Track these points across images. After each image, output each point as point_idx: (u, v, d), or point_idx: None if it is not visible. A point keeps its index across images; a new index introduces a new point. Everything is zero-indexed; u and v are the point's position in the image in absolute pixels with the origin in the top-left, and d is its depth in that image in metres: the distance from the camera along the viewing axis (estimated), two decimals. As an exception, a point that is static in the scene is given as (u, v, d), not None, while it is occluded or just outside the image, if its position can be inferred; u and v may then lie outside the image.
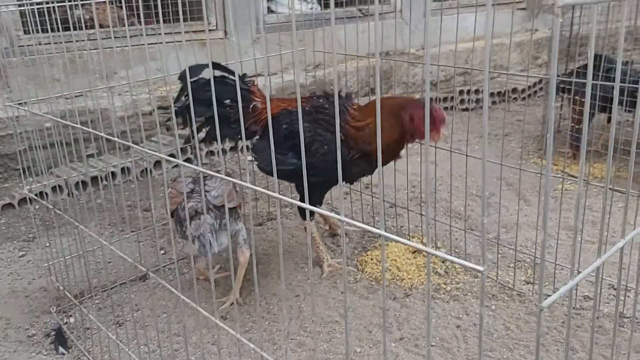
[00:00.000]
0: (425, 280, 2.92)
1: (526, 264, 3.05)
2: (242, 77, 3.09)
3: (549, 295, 1.03)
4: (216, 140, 3.05)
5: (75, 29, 2.30)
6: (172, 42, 4.47)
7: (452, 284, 2.91)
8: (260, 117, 2.99)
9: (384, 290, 1.03)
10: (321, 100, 2.91)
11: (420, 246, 0.97)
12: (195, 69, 2.91)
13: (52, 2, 2.67)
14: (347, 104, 2.88)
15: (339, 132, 1.13)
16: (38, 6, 2.74)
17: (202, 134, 3.10)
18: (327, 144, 2.76)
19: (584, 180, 3.70)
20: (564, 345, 2.41)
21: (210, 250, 2.53)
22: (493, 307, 2.72)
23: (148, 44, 4.58)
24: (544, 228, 0.80)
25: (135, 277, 3.01)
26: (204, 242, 2.52)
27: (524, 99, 6.34)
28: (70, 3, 2.73)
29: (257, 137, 3.02)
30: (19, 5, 3.70)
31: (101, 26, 4.63)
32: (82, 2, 3.03)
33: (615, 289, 2.78)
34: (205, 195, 2.55)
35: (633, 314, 1.52)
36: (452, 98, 6.04)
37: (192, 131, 3.01)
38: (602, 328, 2.52)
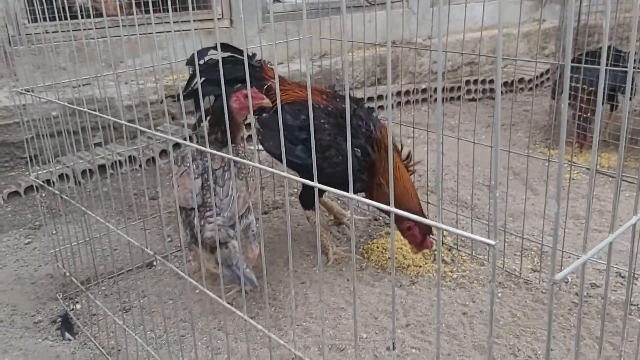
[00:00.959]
0: (432, 268, 2.92)
1: (533, 252, 3.04)
2: (252, 57, 3.07)
3: (554, 282, 1.02)
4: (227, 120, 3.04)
5: (79, 17, 2.29)
6: (179, 30, 4.47)
7: (458, 272, 2.90)
8: (273, 97, 2.96)
9: (393, 272, 1.02)
10: (344, 106, 2.89)
11: (431, 222, 0.97)
12: (203, 52, 2.90)
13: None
14: (370, 122, 2.85)
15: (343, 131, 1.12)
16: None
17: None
18: (343, 155, 2.74)
19: (588, 168, 3.67)
20: (571, 332, 2.40)
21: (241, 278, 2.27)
22: (500, 294, 2.71)
23: (156, 32, 4.57)
24: (557, 200, 0.79)
25: (142, 264, 3.01)
26: (237, 273, 2.27)
27: (530, 89, 6.31)
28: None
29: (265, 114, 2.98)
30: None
31: (106, 15, 4.62)
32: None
33: (622, 277, 2.77)
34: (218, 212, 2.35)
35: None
36: (459, 88, 6.02)
37: (201, 114, 2.99)
38: (609, 315, 2.51)
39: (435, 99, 5.62)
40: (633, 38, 1.05)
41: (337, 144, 2.76)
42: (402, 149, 3.01)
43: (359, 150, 2.79)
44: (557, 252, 0.82)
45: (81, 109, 2.09)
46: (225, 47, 2.93)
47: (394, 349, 1.21)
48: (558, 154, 0.80)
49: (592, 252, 0.89)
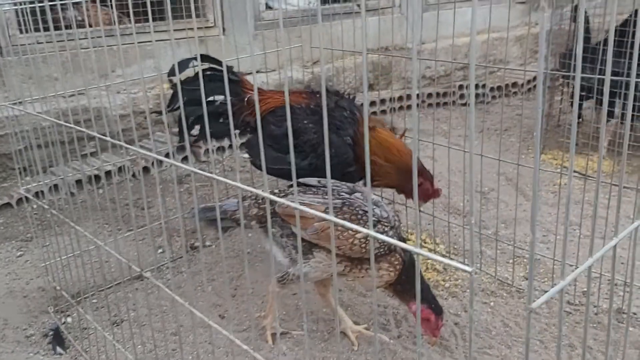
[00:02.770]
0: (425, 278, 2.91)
1: (525, 260, 3.04)
2: (229, 69, 3.05)
3: (546, 291, 1.02)
4: (210, 139, 3.03)
5: (70, 27, 2.29)
6: (166, 39, 4.46)
7: (450, 281, 2.90)
8: (254, 109, 2.95)
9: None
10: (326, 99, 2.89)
11: (408, 246, 0.96)
12: (183, 64, 2.88)
13: (45, 2, 2.65)
14: (355, 109, 2.85)
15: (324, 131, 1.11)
16: (31, 5, 2.73)
17: (196, 131, 3.07)
18: (334, 148, 2.74)
19: (582, 175, 3.68)
20: (563, 342, 2.40)
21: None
22: (492, 303, 2.71)
23: (145, 41, 4.56)
24: (533, 231, 0.79)
25: (134, 277, 3.00)
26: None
27: (523, 93, 6.32)
28: (62, 2, 2.71)
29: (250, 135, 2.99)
30: (14, 5, 3.69)
31: (93, 26, 4.61)
32: (73, 2, 3.01)
33: (615, 285, 2.77)
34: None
35: (628, 310, 1.51)
36: (452, 93, 6.03)
37: (183, 133, 2.98)
38: (600, 324, 2.51)
39: (429, 104, 5.60)
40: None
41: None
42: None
43: (349, 138, 2.79)
44: (547, 261, 0.82)
45: (67, 124, 2.08)
46: (204, 58, 2.92)
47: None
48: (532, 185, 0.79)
49: (569, 278, 0.89)
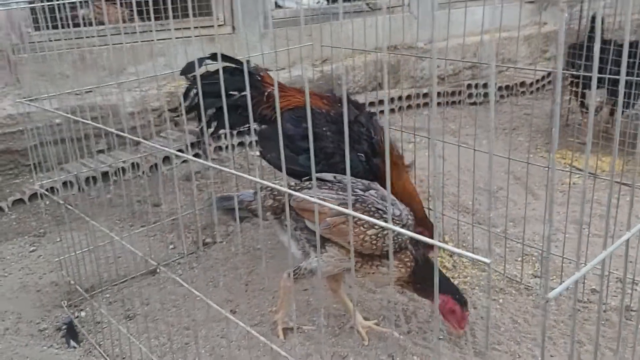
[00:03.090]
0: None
1: (534, 258, 3.06)
2: (250, 65, 3.10)
3: (554, 288, 1.04)
4: (226, 130, 3.06)
5: (81, 26, 2.33)
6: (180, 37, 4.50)
7: (459, 278, 2.92)
8: (274, 104, 2.98)
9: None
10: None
11: (429, 240, 0.99)
12: (199, 62, 2.92)
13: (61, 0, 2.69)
14: (371, 127, 2.88)
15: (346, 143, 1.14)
16: (48, 3, 2.77)
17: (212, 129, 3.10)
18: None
19: (591, 174, 3.70)
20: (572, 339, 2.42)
21: None
22: (501, 300, 2.73)
23: (157, 39, 4.61)
24: (550, 221, 0.81)
25: (145, 271, 3.04)
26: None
27: (532, 92, 6.33)
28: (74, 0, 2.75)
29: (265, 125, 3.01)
30: (30, 2, 3.73)
31: (105, 24, 4.66)
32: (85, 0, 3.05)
33: (622, 282, 2.79)
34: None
35: (639, 307, 1.53)
36: (460, 92, 6.04)
37: (202, 127, 3.01)
38: (609, 321, 2.53)
39: (438, 103, 5.62)
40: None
41: (341, 150, 2.78)
42: (402, 154, 3.04)
43: (362, 155, 2.82)
44: (556, 258, 0.84)
45: (84, 120, 2.11)
46: (221, 57, 2.95)
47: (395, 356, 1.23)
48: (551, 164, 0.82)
49: (584, 270, 0.92)
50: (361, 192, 2.30)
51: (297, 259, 2.37)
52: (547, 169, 2.93)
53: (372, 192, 2.32)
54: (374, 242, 2.21)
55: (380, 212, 2.27)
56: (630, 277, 2.76)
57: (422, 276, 2.31)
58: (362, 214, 2.21)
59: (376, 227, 2.21)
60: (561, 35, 0.84)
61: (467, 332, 2.51)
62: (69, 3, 2.92)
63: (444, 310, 2.32)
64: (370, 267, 2.29)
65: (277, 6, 5.58)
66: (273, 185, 1.31)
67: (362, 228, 2.19)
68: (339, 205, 2.19)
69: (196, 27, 4.56)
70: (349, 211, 1.09)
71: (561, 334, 2.47)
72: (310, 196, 1.27)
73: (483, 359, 2.33)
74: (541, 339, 0.89)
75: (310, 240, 2.30)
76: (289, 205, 2.28)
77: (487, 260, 0.85)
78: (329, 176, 2.43)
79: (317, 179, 2.38)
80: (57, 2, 2.62)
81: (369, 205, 2.25)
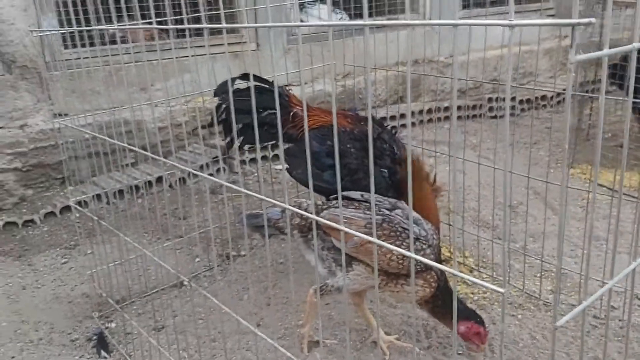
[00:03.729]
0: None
1: (553, 274, 3.10)
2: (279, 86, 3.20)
3: (573, 305, 1.09)
4: (251, 145, 3.17)
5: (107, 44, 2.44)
6: (205, 54, 4.61)
7: (479, 294, 2.97)
8: (299, 123, 3.08)
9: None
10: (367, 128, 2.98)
11: (449, 269, 1.06)
12: (227, 84, 3.03)
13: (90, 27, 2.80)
14: (394, 144, 2.95)
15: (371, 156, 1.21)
16: (79, 28, 2.88)
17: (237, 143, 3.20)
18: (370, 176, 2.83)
19: (610, 189, 3.72)
20: (588, 355, 2.47)
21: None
22: (519, 316, 2.78)
23: (181, 57, 4.73)
24: (559, 255, 0.88)
25: (174, 284, 3.13)
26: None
27: (552, 106, 6.35)
28: (110, 28, 2.86)
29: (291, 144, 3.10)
30: (60, 29, 3.87)
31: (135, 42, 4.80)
32: (119, 28, 3.17)
33: (639, 299, 2.82)
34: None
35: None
36: (480, 106, 6.08)
37: (231, 140, 3.11)
38: (625, 338, 2.56)
39: (459, 117, 5.66)
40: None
41: (365, 167, 2.87)
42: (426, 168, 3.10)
43: (385, 170, 2.90)
44: (575, 275, 0.91)
45: (110, 139, 2.22)
46: (249, 76, 3.06)
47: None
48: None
49: (591, 299, 0.98)
50: (388, 212, 2.36)
51: (323, 276, 2.43)
52: (566, 186, 2.98)
53: (398, 211, 2.38)
54: (401, 262, 2.27)
55: (407, 232, 2.33)
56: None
57: (442, 298, 2.37)
58: (389, 234, 2.29)
59: (403, 247, 2.26)
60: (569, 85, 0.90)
61: (486, 348, 2.57)
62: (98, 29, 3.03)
63: (470, 334, 2.36)
64: (395, 285, 2.35)
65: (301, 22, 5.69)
66: (300, 211, 1.38)
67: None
68: (366, 224, 2.27)
69: (221, 44, 4.68)
70: (374, 239, 1.16)
71: (579, 350, 2.51)
72: (340, 216, 1.34)
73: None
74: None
75: (337, 260, 2.36)
76: (317, 224, 2.35)
77: (501, 291, 0.92)
78: (356, 194, 2.49)
79: (345, 197, 2.45)
80: (89, 28, 2.73)
81: (396, 225, 2.32)
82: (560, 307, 2.82)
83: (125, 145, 2.16)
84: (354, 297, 2.59)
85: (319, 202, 2.64)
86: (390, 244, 2.23)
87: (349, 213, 2.34)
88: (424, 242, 2.33)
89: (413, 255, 1.08)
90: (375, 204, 2.37)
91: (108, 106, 3.02)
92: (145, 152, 2.00)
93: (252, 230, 2.59)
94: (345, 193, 2.46)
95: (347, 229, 1.24)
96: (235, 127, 2.47)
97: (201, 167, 4.57)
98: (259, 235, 2.96)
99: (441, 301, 2.38)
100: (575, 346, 2.51)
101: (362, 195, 2.49)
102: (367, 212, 2.35)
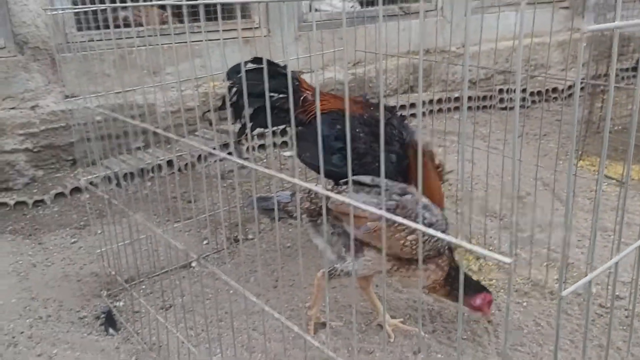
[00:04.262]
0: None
1: (559, 263, 3.10)
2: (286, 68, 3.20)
3: (580, 294, 1.09)
4: (262, 128, 3.19)
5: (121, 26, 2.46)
6: (216, 39, 4.62)
7: (485, 281, 2.98)
8: (309, 108, 3.09)
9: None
10: (378, 114, 2.98)
11: (455, 240, 1.07)
12: (239, 66, 3.03)
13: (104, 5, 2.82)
14: (403, 130, 2.96)
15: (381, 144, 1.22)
16: (92, 7, 2.90)
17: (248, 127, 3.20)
18: (378, 161, 2.84)
19: (619, 181, 3.72)
20: (593, 343, 2.48)
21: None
22: (524, 303, 2.79)
23: (193, 41, 4.74)
24: (568, 215, 0.89)
25: (181, 265, 3.16)
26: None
27: (564, 98, 6.32)
28: (123, 5, 2.88)
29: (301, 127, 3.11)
30: (74, 7, 3.89)
31: (148, 25, 4.81)
32: (132, 5, 3.18)
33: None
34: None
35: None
36: (491, 97, 6.07)
37: (243, 123, 3.12)
38: (630, 327, 2.56)
39: (469, 108, 5.66)
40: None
41: (373, 151, 2.87)
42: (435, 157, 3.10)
43: (394, 155, 2.90)
44: (582, 265, 0.92)
45: (125, 119, 2.24)
46: (261, 60, 3.07)
47: (419, 351, 1.31)
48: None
49: (597, 272, 0.99)
50: (399, 198, 2.37)
51: (332, 261, 2.44)
52: (574, 175, 2.98)
53: (408, 196, 2.38)
54: (414, 247, 2.29)
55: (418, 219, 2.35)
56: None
57: (454, 280, 2.40)
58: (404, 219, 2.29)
59: (416, 232, 2.27)
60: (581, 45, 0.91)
61: (490, 333, 2.58)
62: (110, 7, 3.04)
63: (484, 305, 2.46)
64: (407, 270, 2.36)
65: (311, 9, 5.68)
66: (311, 186, 1.39)
67: (402, 233, 2.26)
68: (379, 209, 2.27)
69: (233, 30, 4.69)
70: (398, 217, 1.17)
71: (583, 337, 2.52)
72: (349, 200, 1.35)
73: (504, 357, 2.39)
74: (555, 335, 0.97)
75: (346, 245, 2.36)
76: (328, 208, 2.36)
77: (508, 260, 0.93)
78: (366, 179, 2.47)
79: (355, 181, 2.45)
80: (101, 6, 2.74)
81: (409, 211, 2.32)
82: (567, 296, 2.82)
83: (143, 124, 2.18)
84: (361, 281, 2.61)
85: (329, 187, 2.65)
86: (405, 229, 2.24)
87: (361, 198, 2.34)
88: (437, 228, 2.34)
89: (441, 234, 1.09)
90: (386, 189, 2.39)
91: (119, 89, 3.03)
92: (165, 133, 2.01)
93: (261, 214, 2.60)
94: (355, 177, 2.47)
95: (361, 205, 1.24)
96: (247, 110, 2.49)
97: (210, 152, 4.59)
98: (268, 218, 2.96)
99: (452, 284, 2.42)
100: (580, 334, 2.52)
101: (372, 180, 2.49)
102: (379, 197, 2.35)
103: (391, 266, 2.36)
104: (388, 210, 2.23)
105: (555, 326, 2.59)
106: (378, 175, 2.78)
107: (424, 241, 2.29)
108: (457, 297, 2.42)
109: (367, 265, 2.37)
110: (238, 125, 3.26)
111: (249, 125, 2.67)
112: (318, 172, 3.11)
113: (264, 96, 1.64)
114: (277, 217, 2.51)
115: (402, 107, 5.50)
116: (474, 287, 2.47)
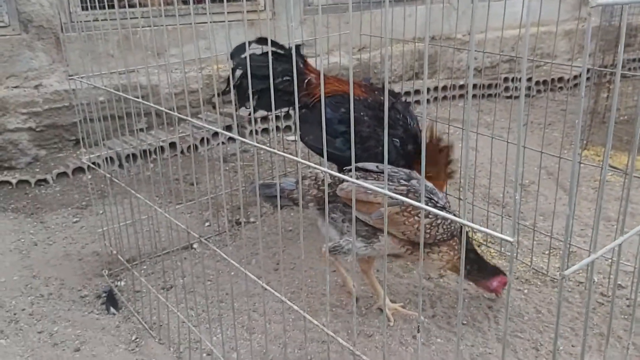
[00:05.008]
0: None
1: (561, 252, 3.10)
2: (297, 48, 3.18)
3: (582, 282, 1.09)
4: (265, 109, 3.16)
5: (126, 7, 2.44)
6: (223, 21, 4.60)
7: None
8: (313, 91, 3.07)
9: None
10: (382, 98, 2.98)
11: (455, 217, 1.06)
12: (243, 47, 3.02)
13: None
14: (408, 115, 2.94)
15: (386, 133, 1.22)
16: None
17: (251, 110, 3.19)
18: (382, 146, 2.83)
19: (624, 172, 3.70)
20: (594, 332, 2.48)
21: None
22: (526, 291, 2.79)
23: (197, 23, 4.72)
24: (571, 197, 0.88)
25: (183, 246, 3.16)
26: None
27: (570, 88, 6.29)
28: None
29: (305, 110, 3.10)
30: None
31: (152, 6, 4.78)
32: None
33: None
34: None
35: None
36: (496, 85, 6.04)
37: (249, 103, 3.11)
38: (632, 316, 2.56)
39: (474, 95, 5.64)
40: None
41: (377, 135, 2.86)
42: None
43: (397, 140, 2.89)
44: (584, 253, 0.91)
45: (132, 98, 2.23)
46: (266, 41, 3.04)
47: (418, 332, 1.31)
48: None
49: (600, 252, 0.98)
50: (407, 183, 2.36)
51: (346, 249, 2.42)
52: (579, 163, 2.96)
53: (413, 181, 2.38)
54: (428, 230, 2.29)
55: (432, 201, 2.37)
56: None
57: (470, 263, 2.46)
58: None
59: (430, 216, 2.29)
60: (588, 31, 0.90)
61: (490, 319, 2.58)
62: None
63: (500, 287, 2.56)
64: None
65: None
66: (316, 167, 1.38)
67: (416, 218, 2.26)
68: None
69: (238, 12, 4.66)
70: (421, 205, 1.16)
71: (583, 325, 2.51)
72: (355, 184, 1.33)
73: (505, 345, 2.40)
74: (556, 315, 0.96)
75: (358, 231, 2.34)
76: (337, 196, 2.34)
77: (510, 239, 0.93)
78: (372, 166, 2.47)
79: (360, 169, 2.43)
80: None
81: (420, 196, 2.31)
82: (568, 284, 2.82)
83: (148, 103, 2.16)
84: (362, 264, 2.61)
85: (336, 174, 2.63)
86: (418, 213, 2.25)
87: (371, 184, 2.32)
88: (448, 211, 2.35)
89: (465, 222, 1.08)
90: (393, 175, 2.38)
91: (123, 70, 3.01)
92: (171, 112, 2.00)
93: (264, 201, 2.56)
94: (360, 164, 2.45)
95: (370, 187, 1.23)
96: (250, 91, 2.46)
97: (214, 134, 4.59)
98: (271, 205, 2.94)
99: (469, 266, 2.45)
100: (581, 322, 2.52)
101: (377, 167, 2.48)
102: (390, 184, 2.34)
103: (405, 250, 2.36)
104: (401, 195, 2.23)
105: (556, 312, 2.59)
106: (382, 158, 2.78)
107: (437, 225, 2.30)
108: (472, 278, 2.51)
109: (382, 250, 2.37)
110: (242, 109, 3.24)
111: (251, 108, 2.65)
112: (321, 155, 3.10)
113: (268, 78, 1.63)
114: (280, 205, 2.49)
115: (407, 93, 5.48)
116: (491, 270, 2.55)
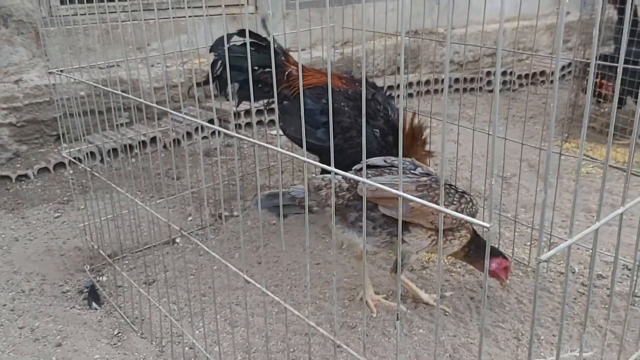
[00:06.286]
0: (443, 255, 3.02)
1: (542, 243, 3.12)
2: (275, 43, 3.17)
3: (561, 273, 1.10)
4: (247, 101, 3.15)
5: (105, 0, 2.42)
6: (203, 15, 4.57)
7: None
8: (294, 83, 3.07)
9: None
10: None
11: (431, 204, 1.07)
12: (223, 40, 3.01)
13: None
14: (388, 106, 2.95)
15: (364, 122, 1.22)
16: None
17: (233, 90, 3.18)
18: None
19: (603, 163, 3.74)
20: (574, 321, 2.50)
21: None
22: (507, 281, 2.81)
23: (179, 17, 4.69)
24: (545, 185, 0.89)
25: (165, 241, 3.15)
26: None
27: (552, 82, 6.33)
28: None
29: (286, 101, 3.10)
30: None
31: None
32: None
33: (628, 269, 2.86)
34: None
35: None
36: (479, 79, 6.07)
37: (230, 94, 3.10)
38: (613, 306, 2.59)
39: (456, 90, 5.66)
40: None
41: (358, 126, 2.87)
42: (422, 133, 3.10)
43: (378, 131, 2.90)
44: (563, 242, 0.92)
45: (114, 91, 2.21)
46: (248, 33, 3.04)
47: (398, 319, 1.31)
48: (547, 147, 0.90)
49: (577, 237, 1.00)
50: (424, 172, 2.38)
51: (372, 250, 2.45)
52: (561, 157, 2.98)
53: (419, 169, 2.40)
54: (452, 217, 2.32)
55: (453, 188, 2.41)
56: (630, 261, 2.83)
57: (474, 245, 2.52)
58: (439, 192, 2.30)
59: (455, 203, 2.35)
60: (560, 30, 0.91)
61: (472, 309, 2.60)
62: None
63: (500, 270, 2.56)
64: (445, 241, 2.40)
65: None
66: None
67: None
68: (417, 187, 2.29)
69: (219, 6, 4.63)
70: (466, 193, 1.16)
71: (565, 315, 2.54)
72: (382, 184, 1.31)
73: (486, 335, 2.42)
74: (533, 300, 0.97)
75: (388, 229, 2.34)
76: (355, 199, 2.34)
77: (487, 225, 0.93)
78: (379, 161, 2.45)
79: (370, 166, 2.42)
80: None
81: (439, 184, 2.34)
82: (549, 275, 2.85)
83: (127, 95, 2.15)
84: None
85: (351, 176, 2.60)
86: (445, 202, 2.32)
87: (389, 180, 2.31)
88: (466, 195, 2.41)
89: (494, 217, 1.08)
90: (402, 167, 2.39)
91: (104, 64, 2.99)
92: (155, 105, 1.99)
93: (269, 212, 2.42)
94: (369, 161, 2.42)
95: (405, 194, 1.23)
96: (229, 82, 2.47)
97: (196, 129, 4.57)
98: (276, 216, 2.75)
99: (473, 247, 2.52)
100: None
101: (385, 161, 2.46)
102: (409, 176, 2.35)
103: (431, 241, 2.39)
104: (424, 186, 2.30)
105: (533, 298, 2.62)
106: (359, 149, 2.78)
107: (462, 209, 2.37)
108: (472, 259, 2.56)
109: (415, 243, 2.38)
110: (223, 101, 3.23)
111: (231, 96, 2.65)
112: (299, 145, 3.11)
113: (247, 70, 1.63)
114: (285, 214, 2.41)
115: (390, 87, 5.49)
116: (490, 253, 2.54)
